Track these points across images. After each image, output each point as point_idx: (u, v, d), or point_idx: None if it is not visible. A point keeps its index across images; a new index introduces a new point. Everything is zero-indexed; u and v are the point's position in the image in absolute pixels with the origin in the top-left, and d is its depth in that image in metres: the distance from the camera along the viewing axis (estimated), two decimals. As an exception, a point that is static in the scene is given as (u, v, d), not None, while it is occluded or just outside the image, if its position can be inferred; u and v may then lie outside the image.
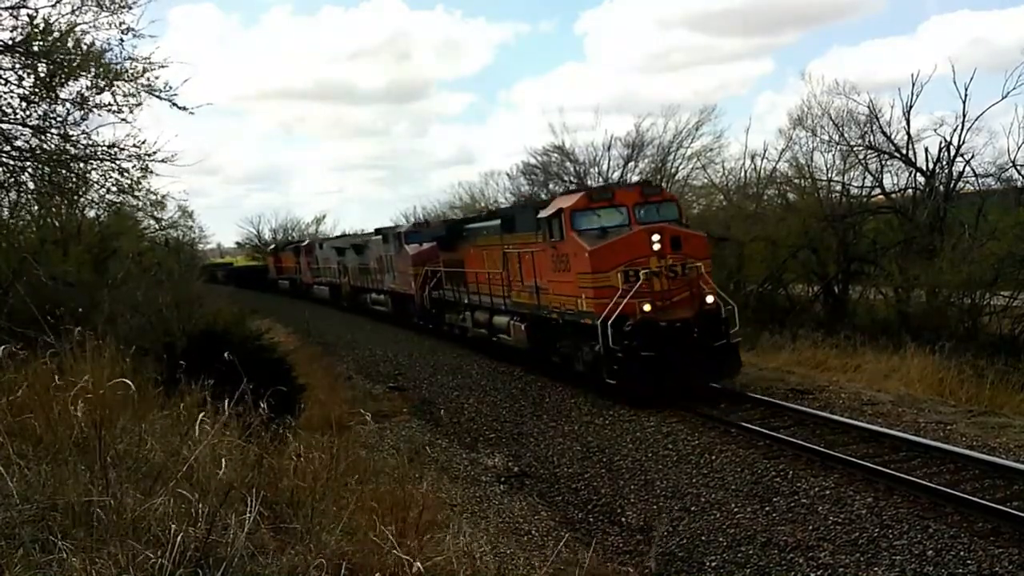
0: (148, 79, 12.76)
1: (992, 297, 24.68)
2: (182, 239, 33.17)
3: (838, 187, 31.93)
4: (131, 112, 12.88)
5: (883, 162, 31.27)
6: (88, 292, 14.57)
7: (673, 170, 42.08)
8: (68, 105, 12.79)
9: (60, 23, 12.20)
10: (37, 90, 12.45)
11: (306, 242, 57.32)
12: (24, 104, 12.54)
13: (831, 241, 30.01)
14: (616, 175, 42.61)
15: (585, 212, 16.61)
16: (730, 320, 15.75)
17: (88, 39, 12.57)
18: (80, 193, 15.01)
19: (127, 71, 12.71)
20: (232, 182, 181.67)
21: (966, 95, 28.69)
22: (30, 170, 13.64)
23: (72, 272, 15.29)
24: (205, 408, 7.26)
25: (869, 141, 31.01)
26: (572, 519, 11.07)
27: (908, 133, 30.19)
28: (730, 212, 33.87)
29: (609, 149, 43.55)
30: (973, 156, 29.49)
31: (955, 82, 31.85)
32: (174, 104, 13.03)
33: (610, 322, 15.15)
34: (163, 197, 15.21)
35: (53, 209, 16.94)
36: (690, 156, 41.86)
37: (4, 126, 12.71)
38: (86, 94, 12.69)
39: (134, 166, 13.32)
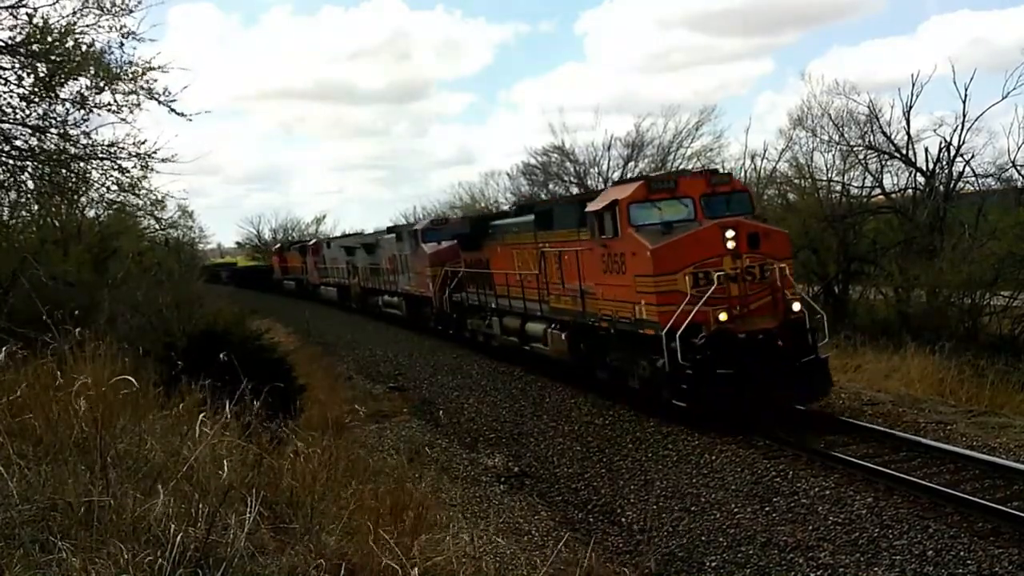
0: (148, 83, 12.78)
1: (992, 297, 24.68)
2: (182, 239, 33.11)
3: (838, 187, 31.94)
4: (131, 112, 12.92)
5: (883, 162, 31.31)
6: (88, 292, 14.59)
7: (673, 170, 42.05)
8: (68, 105, 12.82)
9: (59, 23, 12.21)
10: (37, 90, 12.46)
11: (313, 241, 55.43)
12: (24, 104, 12.56)
13: (831, 241, 30.01)
14: (616, 175, 42.63)
15: (644, 204, 14.31)
16: (819, 331, 13.76)
17: (88, 40, 12.59)
18: (80, 193, 15.04)
19: (127, 74, 12.73)
20: (232, 182, 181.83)
21: (966, 95, 28.75)
22: (30, 170, 13.65)
23: (72, 272, 15.31)
24: (205, 408, 7.26)
25: (869, 141, 31.04)
26: (572, 519, 11.07)
27: (908, 133, 30.23)
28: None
29: (609, 149, 43.63)
30: (973, 156, 29.55)
31: (955, 82, 31.86)
32: (173, 110, 13.07)
33: (678, 334, 12.96)
34: (163, 197, 15.23)
35: (53, 209, 16.94)
36: (690, 156, 41.94)
37: (4, 126, 12.72)
38: (85, 94, 12.71)
39: (134, 165, 13.36)
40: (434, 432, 16.06)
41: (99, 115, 13.00)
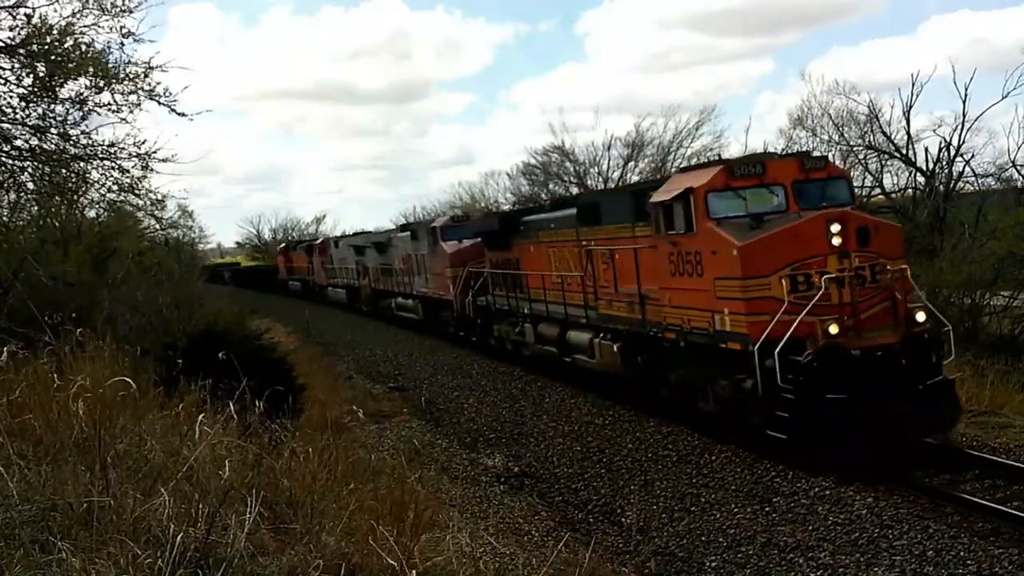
0: (148, 83, 12.79)
1: (992, 297, 24.68)
2: (182, 239, 33.07)
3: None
4: (131, 112, 12.91)
5: (883, 162, 31.37)
6: (88, 292, 14.58)
7: (673, 170, 42.08)
8: (67, 105, 12.82)
9: (59, 23, 12.22)
10: (36, 90, 12.46)
11: (320, 240, 53.23)
12: (23, 104, 12.56)
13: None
14: (616, 175, 42.68)
15: (725, 193, 12.23)
16: (946, 346, 11.57)
17: (87, 40, 12.59)
18: (80, 193, 15.03)
19: (127, 74, 12.74)
20: (232, 182, 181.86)
21: (966, 95, 28.80)
22: (30, 170, 13.65)
23: (72, 272, 15.29)
24: (205, 408, 7.26)
25: (869, 141, 31.10)
26: (572, 519, 11.07)
27: (908, 133, 30.28)
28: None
29: (609, 149, 43.67)
30: (973, 156, 29.61)
31: (955, 82, 31.90)
32: (173, 110, 13.07)
33: (777, 350, 10.76)
34: (163, 197, 15.21)
35: (53, 209, 16.93)
36: (690, 156, 41.94)
37: (4, 126, 12.72)
38: (85, 94, 12.71)
39: (134, 165, 13.36)
40: (434, 432, 16.07)
41: (99, 115, 13.02)
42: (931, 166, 29.79)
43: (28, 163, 13.38)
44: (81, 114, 12.93)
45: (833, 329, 10.90)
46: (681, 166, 13.11)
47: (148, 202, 14.86)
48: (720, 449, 12.65)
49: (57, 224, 18.41)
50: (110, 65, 12.75)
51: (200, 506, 4.84)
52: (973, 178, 30.13)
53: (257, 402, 7.15)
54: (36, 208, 16.58)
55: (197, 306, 19.39)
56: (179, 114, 13.19)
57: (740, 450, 12.45)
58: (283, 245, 66.74)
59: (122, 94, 12.74)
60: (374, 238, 37.20)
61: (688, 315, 12.82)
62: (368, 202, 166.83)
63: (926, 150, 30.10)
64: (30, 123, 12.79)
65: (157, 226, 23.30)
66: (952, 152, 29.17)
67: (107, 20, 12.57)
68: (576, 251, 16.84)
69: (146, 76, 12.71)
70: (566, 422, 15.65)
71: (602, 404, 16.25)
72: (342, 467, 7.97)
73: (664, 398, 14.40)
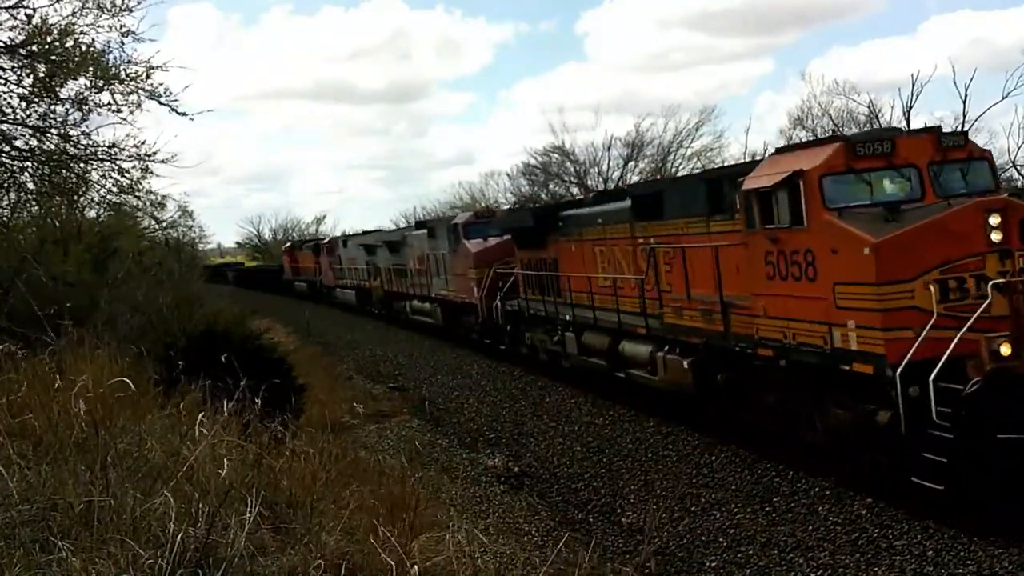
0: (149, 84, 12.81)
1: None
2: (182, 239, 33.07)
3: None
4: (131, 112, 12.94)
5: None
6: (88, 292, 14.59)
7: (673, 170, 42.14)
8: (68, 105, 12.84)
9: (59, 23, 12.24)
10: (36, 90, 12.48)
11: (327, 239, 50.90)
12: (24, 104, 12.58)
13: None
14: (616, 175, 42.71)
15: (846, 177, 10.04)
16: None
17: (87, 39, 12.61)
18: (80, 193, 15.07)
19: (127, 74, 12.76)
20: (232, 182, 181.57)
21: (966, 95, 28.75)
22: (30, 170, 13.67)
23: (72, 272, 15.31)
24: (205, 408, 7.26)
25: (869, 141, 31.01)
26: (572, 519, 11.07)
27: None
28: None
29: (609, 149, 43.73)
30: (974, 156, 29.47)
31: (955, 82, 31.83)
32: (174, 110, 13.09)
33: (933, 375, 8.55)
34: (163, 197, 15.25)
35: (53, 209, 16.96)
36: (690, 156, 42.09)
37: (4, 126, 12.74)
38: (85, 94, 12.73)
39: (134, 166, 13.38)
40: (434, 432, 16.07)
41: (99, 115, 13.04)
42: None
43: (28, 163, 13.40)
44: (81, 114, 12.98)
45: (1005, 350, 8.58)
46: (778, 146, 10.61)
47: (148, 203, 14.90)
48: (720, 449, 12.65)
49: (57, 224, 18.43)
50: (110, 64, 12.79)
51: (200, 506, 4.85)
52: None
53: (257, 402, 7.16)
54: (36, 208, 16.61)
55: (197, 306, 19.38)
56: (180, 114, 13.23)
57: (740, 450, 12.44)
58: (288, 244, 64.78)
59: (122, 94, 12.79)
60: (386, 237, 35.67)
61: (792, 328, 10.53)
62: (368, 202, 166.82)
63: (926, 150, 30.07)
64: (30, 123, 12.82)
65: (157, 226, 23.35)
66: (952, 152, 29.11)
67: (106, 19, 12.63)
68: (630, 250, 14.83)
69: (147, 76, 12.75)
70: (566, 422, 15.65)
71: (602, 404, 16.24)
72: (342, 467, 7.98)
73: (749, 423, 12.24)
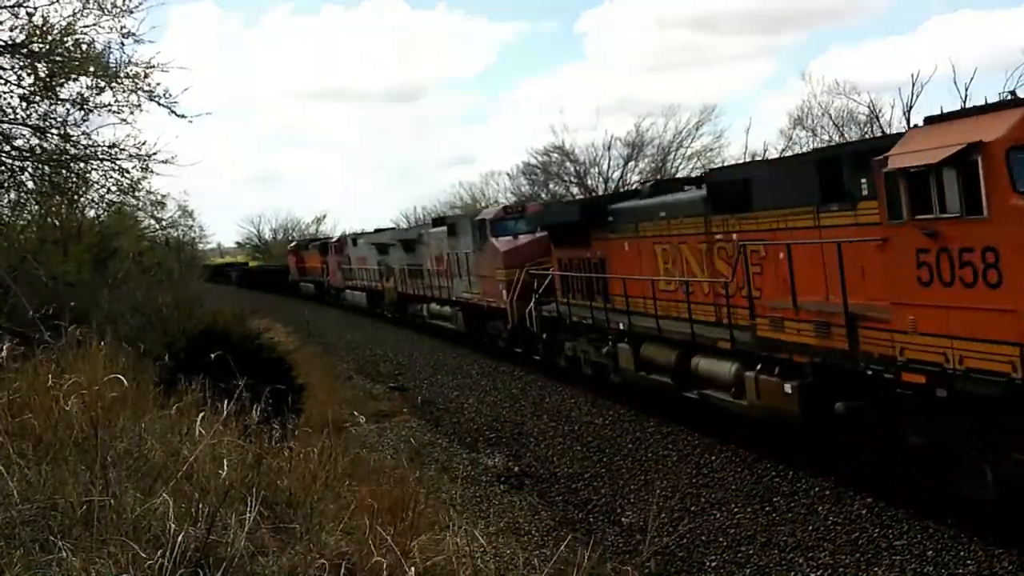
0: (149, 84, 12.82)
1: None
2: (182, 239, 33.07)
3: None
4: (131, 113, 12.95)
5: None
6: (88, 292, 14.60)
7: (673, 170, 42.18)
8: (68, 105, 12.85)
9: (60, 23, 12.24)
10: (37, 90, 12.49)
11: (335, 237, 49.09)
12: (24, 104, 12.59)
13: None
14: (616, 175, 42.73)
15: None
16: None
17: (88, 39, 12.62)
18: (80, 193, 15.08)
19: (127, 75, 12.77)
20: (232, 182, 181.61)
21: (966, 95, 28.69)
22: (30, 170, 13.68)
23: (72, 272, 15.33)
24: (204, 408, 7.26)
25: (870, 141, 31.03)
26: (572, 519, 11.07)
27: (908, 133, 30.21)
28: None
29: (609, 149, 43.80)
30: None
31: (955, 82, 31.90)
32: (173, 112, 13.10)
33: None
34: (163, 197, 15.27)
35: (53, 209, 16.96)
36: (690, 156, 42.15)
37: (4, 126, 12.75)
38: (86, 94, 12.73)
39: (134, 166, 13.39)
40: (434, 432, 16.08)
41: (99, 115, 13.05)
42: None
43: (28, 163, 13.41)
44: (82, 114, 12.97)
45: None
46: (928, 115, 8.59)
47: (148, 202, 14.92)
48: (720, 449, 12.65)
49: (57, 224, 18.44)
50: (110, 65, 12.80)
51: (200, 506, 4.84)
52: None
53: (256, 402, 7.16)
54: (36, 208, 16.63)
55: (197, 306, 19.39)
56: (179, 115, 13.24)
57: (740, 450, 12.44)
58: (294, 244, 62.55)
59: (123, 94, 12.79)
60: (400, 235, 34.08)
61: (959, 349, 8.28)
62: (368, 202, 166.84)
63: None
64: (31, 123, 12.82)
65: (157, 226, 23.36)
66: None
67: (107, 20, 12.64)
68: (704, 247, 12.88)
69: (146, 77, 12.76)
70: (566, 422, 15.65)
71: (602, 404, 16.24)
72: (342, 467, 7.97)
73: (875, 464, 10.06)
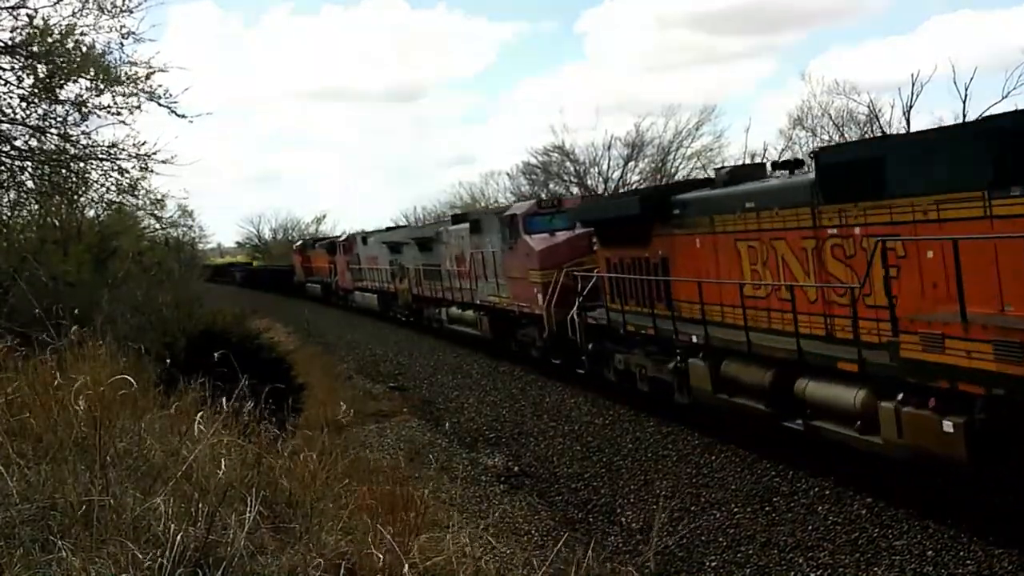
0: (149, 85, 12.83)
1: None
2: (182, 238, 33.03)
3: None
4: (130, 114, 12.95)
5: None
6: (88, 292, 14.59)
7: (673, 170, 42.20)
8: (67, 106, 12.85)
9: (60, 24, 12.25)
10: (36, 90, 12.49)
11: (344, 236, 45.93)
12: (24, 104, 12.59)
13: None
14: (616, 175, 42.74)
15: None
16: None
17: (88, 40, 12.63)
18: (80, 193, 15.07)
19: (127, 76, 12.78)
20: (232, 182, 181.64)
21: (966, 95, 28.74)
22: (30, 170, 13.68)
23: (72, 272, 15.31)
24: (204, 407, 7.27)
25: (870, 141, 31.03)
26: (572, 519, 11.07)
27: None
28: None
29: (609, 149, 43.80)
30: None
31: (955, 82, 31.94)
32: (173, 112, 13.11)
33: None
34: (163, 197, 15.26)
35: (53, 209, 16.96)
36: (690, 156, 42.15)
37: (4, 126, 12.75)
38: (85, 96, 12.74)
39: (134, 166, 13.40)
40: (434, 432, 16.08)
41: (99, 116, 13.06)
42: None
43: (28, 163, 13.41)
44: (81, 115, 12.98)
45: None
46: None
47: (148, 202, 14.91)
48: (720, 449, 12.65)
49: (57, 223, 18.43)
50: (110, 67, 12.80)
51: (200, 505, 4.85)
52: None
53: (256, 402, 7.17)
54: (36, 208, 16.62)
55: (197, 306, 19.39)
56: (179, 115, 13.25)
57: (740, 450, 12.44)
58: (300, 243, 60.05)
59: (122, 95, 12.79)
60: (414, 233, 31.74)
61: None
62: (368, 202, 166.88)
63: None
64: (30, 124, 12.83)
65: (157, 226, 23.34)
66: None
67: (107, 20, 12.63)
68: (811, 244, 10.74)
69: (147, 78, 12.76)
70: (566, 422, 15.65)
71: (602, 404, 16.24)
72: (341, 467, 7.98)
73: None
